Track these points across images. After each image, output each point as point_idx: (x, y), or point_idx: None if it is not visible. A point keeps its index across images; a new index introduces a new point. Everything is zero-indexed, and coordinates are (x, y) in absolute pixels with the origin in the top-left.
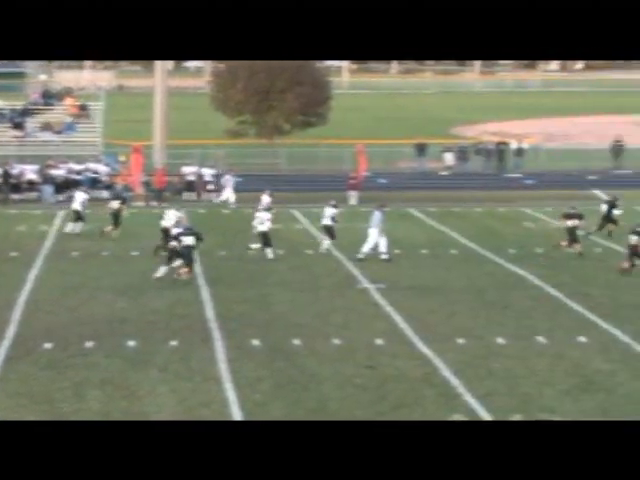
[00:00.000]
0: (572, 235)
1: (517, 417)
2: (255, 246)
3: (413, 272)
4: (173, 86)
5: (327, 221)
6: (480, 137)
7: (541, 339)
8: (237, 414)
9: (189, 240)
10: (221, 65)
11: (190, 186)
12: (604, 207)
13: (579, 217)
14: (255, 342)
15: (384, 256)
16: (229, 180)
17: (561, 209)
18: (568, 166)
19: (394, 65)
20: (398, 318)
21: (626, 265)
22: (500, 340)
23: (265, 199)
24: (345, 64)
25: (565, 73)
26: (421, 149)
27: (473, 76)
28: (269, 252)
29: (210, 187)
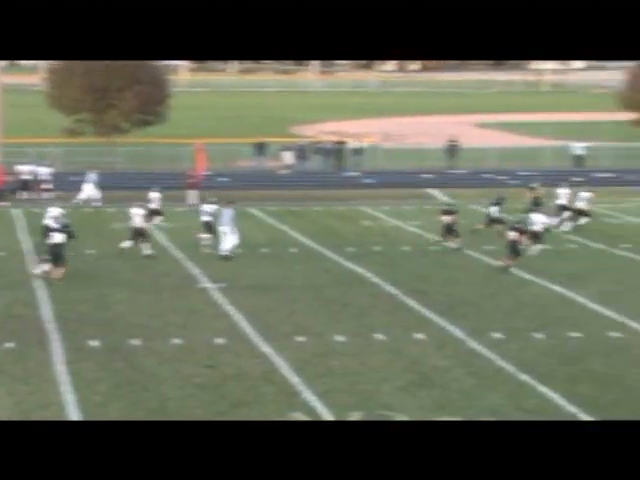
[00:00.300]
0: (449, 230)
1: (356, 414)
2: (126, 244)
3: (253, 271)
4: (7, 83)
5: (206, 217)
6: (319, 136)
7: (379, 336)
8: (75, 415)
9: (58, 238)
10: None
11: (25, 185)
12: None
13: (454, 212)
14: (94, 343)
15: (224, 253)
16: (90, 178)
17: (398, 208)
18: (405, 165)
19: (233, 64)
20: (238, 317)
21: (507, 261)
22: (339, 338)
23: (152, 196)
24: (184, 62)
25: (402, 74)
26: (260, 148)
27: (312, 76)
28: (145, 248)
29: (46, 186)
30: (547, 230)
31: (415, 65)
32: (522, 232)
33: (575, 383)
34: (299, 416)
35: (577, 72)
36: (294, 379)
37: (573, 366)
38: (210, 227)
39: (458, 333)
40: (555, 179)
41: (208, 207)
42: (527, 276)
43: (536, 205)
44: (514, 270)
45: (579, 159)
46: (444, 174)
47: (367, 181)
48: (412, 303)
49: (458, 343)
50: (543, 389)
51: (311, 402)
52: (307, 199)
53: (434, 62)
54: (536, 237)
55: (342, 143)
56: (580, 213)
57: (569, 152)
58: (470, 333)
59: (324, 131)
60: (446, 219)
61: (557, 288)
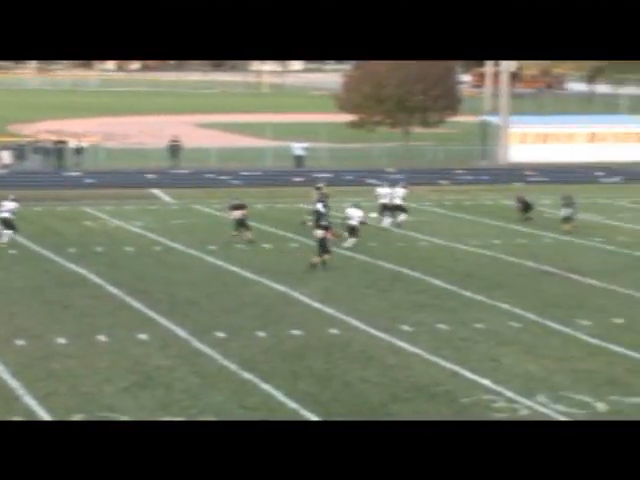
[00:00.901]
0: (241, 225)
1: (78, 416)
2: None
3: None
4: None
5: (7, 214)
6: (38, 135)
7: (102, 337)
8: None
9: None
10: None
11: None
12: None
13: (244, 207)
14: None
15: None
16: None
17: (121, 208)
18: (127, 165)
19: None
20: None
21: (316, 260)
22: (60, 340)
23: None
24: None
25: (122, 73)
26: None
27: (29, 74)
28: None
29: None
30: (362, 224)
31: (135, 64)
32: (327, 229)
33: (296, 380)
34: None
35: (296, 74)
36: (14, 383)
37: (294, 363)
38: (8, 223)
39: (181, 333)
40: (276, 179)
41: (8, 205)
42: (250, 275)
43: (322, 203)
44: (236, 269)
45: (299, 159)
46: (167, 174)
47: (88, 181)
48: (135, 303)
49: (182, 343)
50: (265, 386)
51: (32, 406)
52: (26, 199)
53: (155, 61)
54: (353, 231)
55: (62, 143)
56: (397, 209)
57: (290, 153)
58: (193, 332)
59: (43, 130)
60: (236, 214)
61: (280, 287)
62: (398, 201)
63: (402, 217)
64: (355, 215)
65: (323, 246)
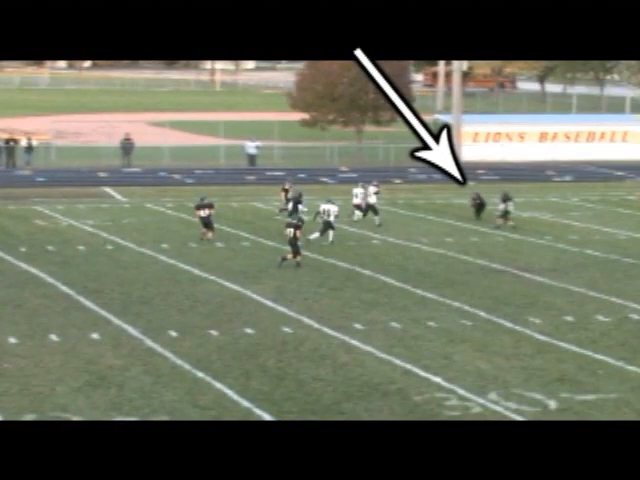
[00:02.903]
0: (207, 224)
1: (30, 416)
2: None
3: None
4: None
5: None
6: None
7: (54, 337)
8: None
9: None
10: None
11: None
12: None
13: (210, 207)
14: None
15: None
16: None
17: (73, 206)
18: (79, 164)
19: None
20: None
21: (289, 256)
22: (12, 339)
23: None
24: None
25: (73, 71)
26: None
27: None
28: None
29: None
30: (336, 217)
31: (86, 62)
32: (297, 228)
33: (249, 379)
34: None
35: (248, 72)
36: None
37: (247, 362)
38: None
39: (134, 332)
40: (229, 177)
41: None
42: (202, 274)
43: (296, 202)
44: (189, 268)
45: (252, 158)
46: (119, 172)
47: (40, 180)
48: (87, 303)
49: (134, 342)
50: (219, 385)
51: None
52: None
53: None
54: (330, 226)
55: (13, 141)
56: (370, 209)
57: (243, 151)
58: (146, 332)
59: None
60: (202, 213)
61: (233, 285)
62: (372, 200)
63: (376, 217)
64: (332, 211)
65: (293, 245)
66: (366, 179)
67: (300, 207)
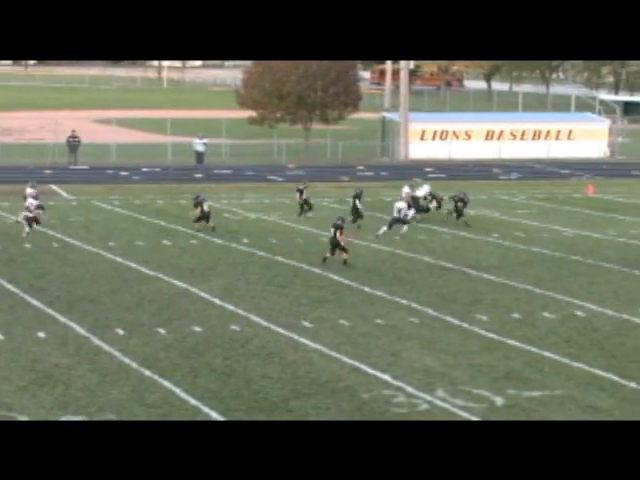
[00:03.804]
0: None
1: None
2: None
3: None
4: None
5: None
6: None
7: None
8: None
9: None
10: None
11: None
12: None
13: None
14: None
15: None
16: None
17: (19, 204)
18: (25, 161)
19: None
20: None
21: (327, 254)
22: None
23: None
24: None
25: (18, 67)
26: None
27: None
28: None
29: None
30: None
31: None
32: (339, 228)
33: (197, 376)
34: None
35: (195, 69)
36: None
37: (195, 360)
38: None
39: (81, 330)
40: (177, 175)
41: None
42: (150, 272)
43: (307, 204)
44: (136, 265)
45: (200, 155)
46: (65, 170)
47: None
48: (33, 301)
49: (81, 340)
50: (166, 383)
51: None
52: None
53: None
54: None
55: None
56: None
57: (190, 148)
58: (93, 330)
59: None
60: (197, 212)
61: (180, 283)
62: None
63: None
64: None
65: (335, 245)
66: (314, 177)
67: (357, 203)
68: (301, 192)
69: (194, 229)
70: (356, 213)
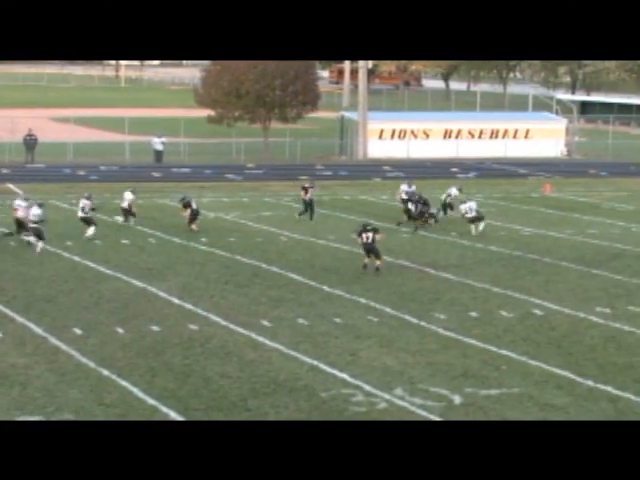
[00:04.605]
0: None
1: None
2: None
3: None
4: None
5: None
6: None
7: None
8: None
9: None
10: None
11: None
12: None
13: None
14: None
15: None
16: None
17: None
18: None
19: None
20: None
21: (366, 260)
22: None
23: None
24: None
25: None
26: None
27: None
28: None
29: None
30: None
31: None
32: (376, 232)
33: (155, 376)
34: None
35: (153, 68)
36: None
37: (153, 359)
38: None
39: (38, 330)
40: (135, 174)
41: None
42: (107, 271)
43: (310, 204)
44: (94, 265)
45: (159, 154)
46: (22, 169)
47: None
48: None
49: (38, 340)
50: (124, 383)
51: None
52: None
53: None
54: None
55: None
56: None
57: (148, 147)
58: (50, 329)
59: None
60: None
61: (138, 282)
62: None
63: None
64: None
65: (370, 249)
66: (272, 176)
67: (410, 206)
68: (306, 190)
69: (191, 231)
70: (445, 209)
